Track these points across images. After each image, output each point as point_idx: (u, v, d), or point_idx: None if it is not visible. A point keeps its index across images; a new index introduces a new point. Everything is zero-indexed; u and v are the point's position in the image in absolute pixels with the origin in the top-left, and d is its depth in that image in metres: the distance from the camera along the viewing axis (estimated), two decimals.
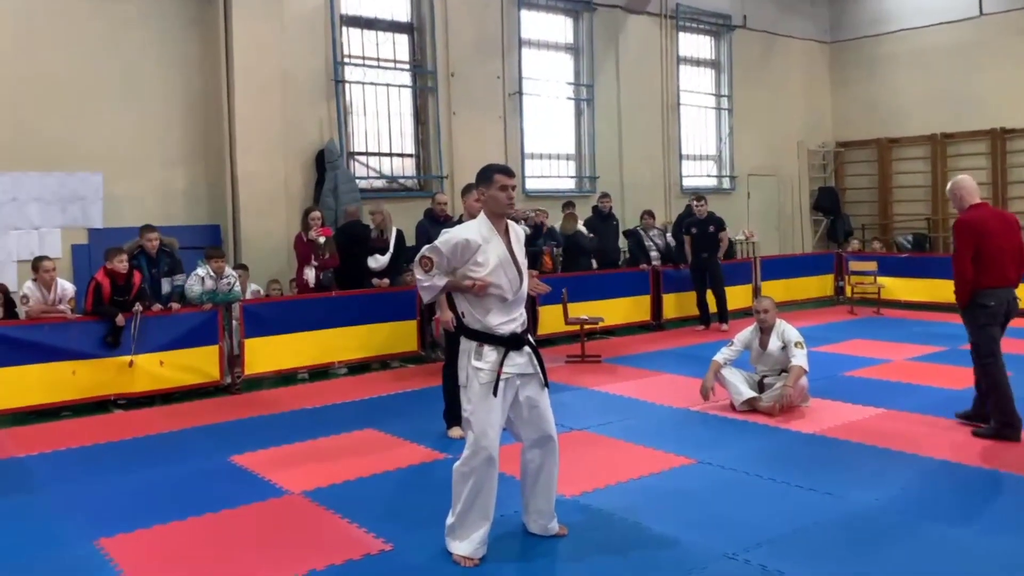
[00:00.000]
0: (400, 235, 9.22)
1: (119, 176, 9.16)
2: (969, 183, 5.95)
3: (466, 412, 3.91)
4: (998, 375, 5.62)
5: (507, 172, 4.00)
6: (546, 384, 4.01)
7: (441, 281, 3.92)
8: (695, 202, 11.07)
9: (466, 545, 3.89)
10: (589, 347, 9.33)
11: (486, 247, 3.90)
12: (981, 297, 5.65)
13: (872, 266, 12.55)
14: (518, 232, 4.12)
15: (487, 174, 4.00)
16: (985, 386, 5.72)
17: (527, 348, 3.96)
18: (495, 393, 3.82)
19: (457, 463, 3.93)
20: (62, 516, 4.76)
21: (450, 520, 3.96)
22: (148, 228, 8.07)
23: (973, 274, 5.63)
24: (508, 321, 3.90)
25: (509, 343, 3.89)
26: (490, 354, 3.86)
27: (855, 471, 5.08)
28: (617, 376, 8.17)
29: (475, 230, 3.95)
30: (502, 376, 3.84)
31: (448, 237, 3.93)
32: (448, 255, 3.89)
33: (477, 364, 3.86)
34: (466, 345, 3.94)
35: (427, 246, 3.99)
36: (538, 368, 3.98)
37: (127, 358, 7.50)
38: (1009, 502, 4.50)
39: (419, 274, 3.96)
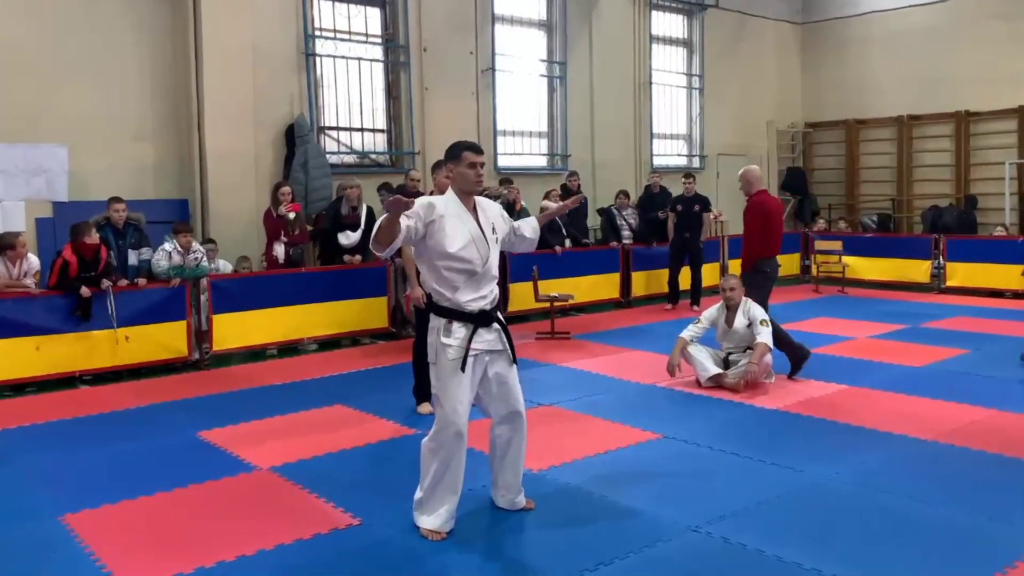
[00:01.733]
0: (370, 211, 9.17)
1: (85, 149, 8.99)
2: (757, 172, 7.44)
3: (435, 388, 3.92)
4: (775, 323, 6.79)
5: (476, 149, 3.98)
6: (514, 360, 4.04)
7: (401, 236, 3.69)
8: (684, 179, 11.09)
9: (434, 519, 3.93)
10: (559, 324, 9.39)
11: (454, 221, 3.88)
12: (762, 264, 7.09)
13: (837, 245, 12.74)
14: (488, 208, 4.10)
15: (456, 151, 3.97)
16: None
17: (496, 325, 3.98)
18: (463, 369, 3.84)
19: (425, 439, 3.96)
20: (27, 492, 4.73)
21: (418, 495, 4.00)
22: (115, 200, 7.95)
23: (759, 246, 7.06)
24: (477, 298, 3.91)
25: (478, 320, 3.90)
26: (459, 330, 3.87)
27: (816, 446, 5.19)
28: (586, 352, 8.24)
29: (441, 203, 3.93)
30: (470, 352, 3.86)
31: (419, 202, 3.89)
32: (419, 211, 3.79)
33: (445, 340, 3.87)
34: (435, 322, 3.93)
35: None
36: (507, 345, 4.00)
37: (109, 336, 7.48)
38: (966, 476, 4.63)
39: (382, 226, 3.69)
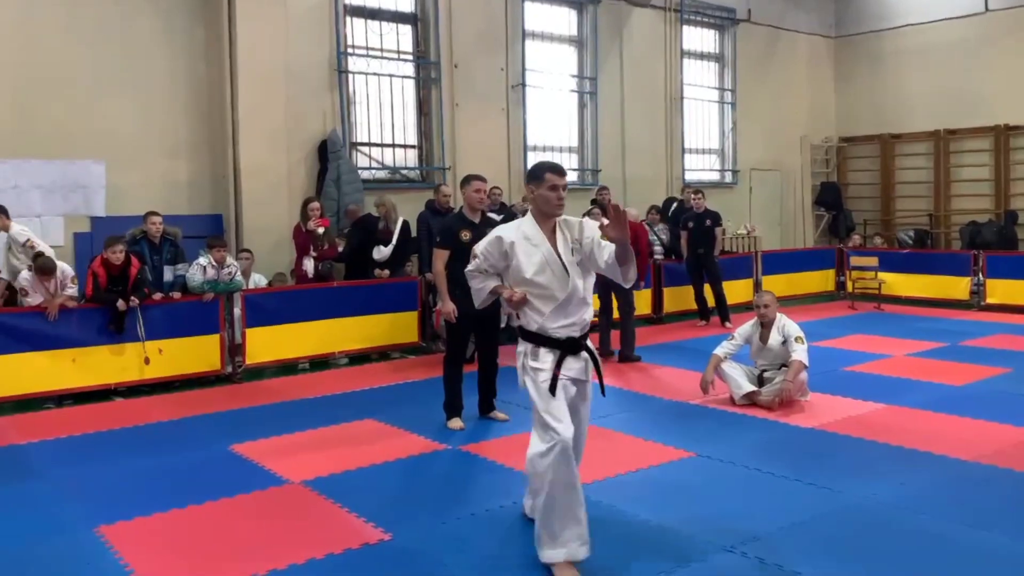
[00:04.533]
0: (406, 225, 9.21)
1: (122, 164, 9.16)
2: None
3: (538, 408, 3.66)
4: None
5: (558, 171, 3.81)
6: (603, 392, 3.93)
7: (491, 283, 3.92)
8: (692, 195, 11.02)
9: (557, 551, 3.62)
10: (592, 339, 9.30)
11: (527, 246, 3.76)
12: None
13: (873, 261, 12.54)
14: (573, 229, 3.83)
15: (538, 172, 3.81)
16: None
17: (584, 353, 3.82)
18: (553, 391, 3.67)
19: (530, 455, 3.65)
20: (63, 503, 4.77)
21: (537, 530, 3.69)
22: (152, 214, 8.05)
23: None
24: (566, 325, 3.75)
25: (565, 347, 3.76)
26: (546, 356, 3.73)
27: (853, 466, 5.08)
28: (617, 369, 8.17)
29: (513, 228, 3.85)
30: (559, 377, 3.70)
31: (497, 232, 3.87)
32: (485, 252, 3.84)
33: (534, 364, 3.73)
34: (522, 346, 3.82)
35: (488, 240, 3.91)
36: (590, 376, 3.85)
37: (139, 349, 7.55)
38: (1008, 498, 4.50)
39: (468, 276, 3.97)
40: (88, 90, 8.97)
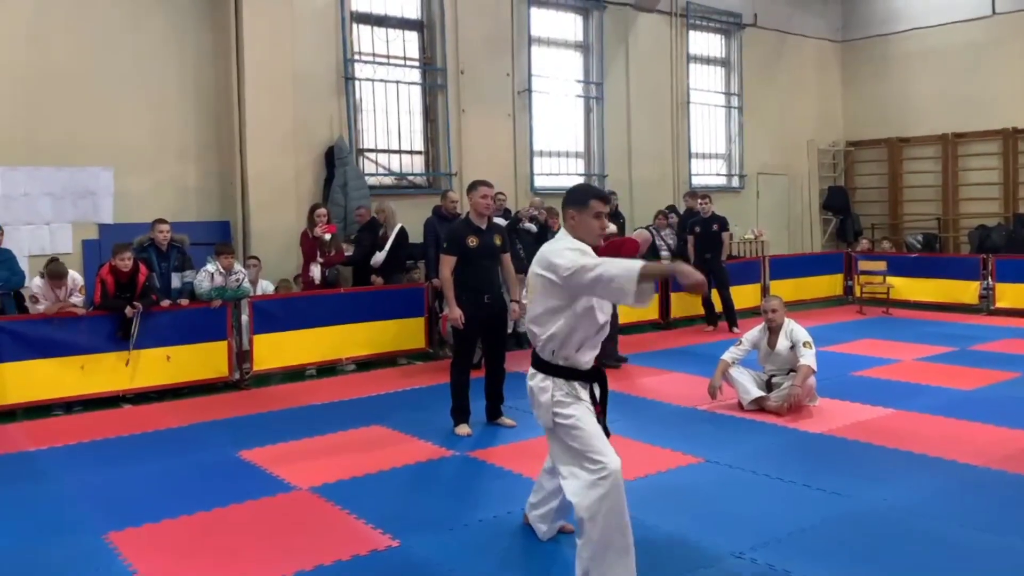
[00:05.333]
0: (402, 232, 9.21)
1: (130, 171, 9.20)
2: None
3: (580, 442, 3.44)
4: None
5: (604, 198, 3.62)
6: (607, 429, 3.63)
7: (636, 264, 3.26)
8: (699, 200, 11.00)
9: None
10: None
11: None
12: None
13: (882, 266, 12.50)
14: None
15: (583, 198, 3.58)
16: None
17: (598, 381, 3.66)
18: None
19: (578, 500, 3.41)
20: (71, 509, 4.79)
21: (585, 568, 3.42)
22: (160, 221, 8.08)
23: None
24: (594, 355, 3.63)
25: (590, 376, 3.60)
26: (582, 391, 3.55)
27: (863, 471, 5.06)
28: (625, 374, 8.15)
29: (573, 243, 3.52)
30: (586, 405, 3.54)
31: (565, 251, 3.44)
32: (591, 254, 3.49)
33: (575, 394, 3.53)
34: (546, 381, 3.55)
35: (573, 251, 3.44)
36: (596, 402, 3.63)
37: (145, 355, 7.58)
38: (1019, 503, 4.48)
39: (599, 270, 3.30)
40: (97, 97, 9.02)
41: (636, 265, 3.27)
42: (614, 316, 8.93)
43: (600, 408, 3.62)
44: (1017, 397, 6.81)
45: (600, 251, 3.58)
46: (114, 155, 9.11)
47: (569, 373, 3.55)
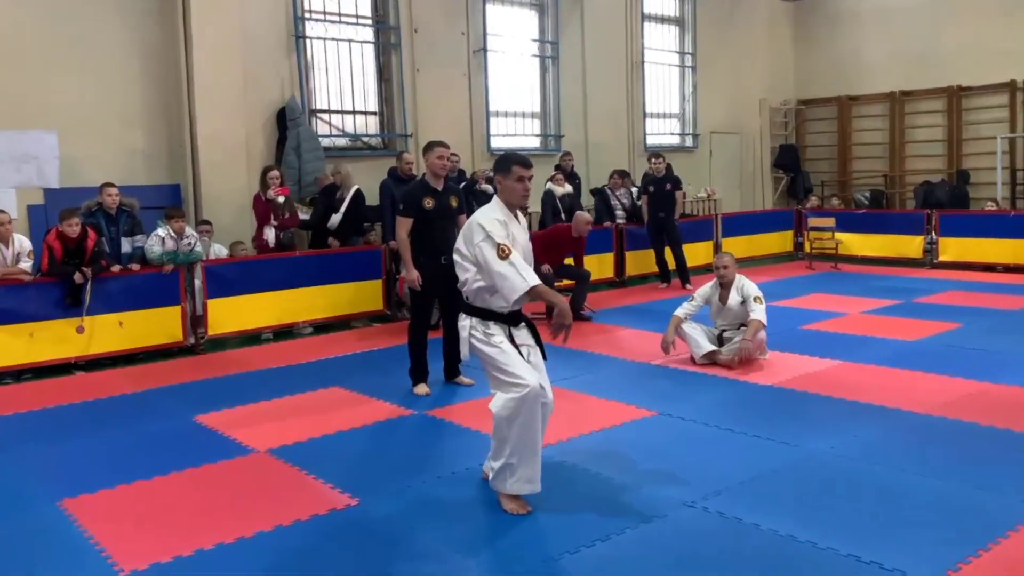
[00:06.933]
0: (358, 194, 9.14)
1: (75, 135, 8.94)
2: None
3: (499, 365, 3.86)
4: None
5: (525, 163, 4.02)
6: (543, 356, 4.13)
7: (532, 280, 3.78)
8: (652, 159, 11.10)
9: (522, 484, 3.90)
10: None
11: (511, 227, 3.96)
12: None
13: (830, 222, 12.75)
14: (522, 219, 4.21)
15: (505, 164, 4.02)
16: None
17: (523, 323, 4.09)
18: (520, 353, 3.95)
19: (498, 409, 3.86)
20: (24, 478, 4.74)
21: (498, 463, 3.92)
22: (108, 185, 7.90)
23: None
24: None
25: (509, 319, 4.00)
26: (496, 328, 3.96)
27: (811, 421, 5.23)
28: (580, 331, 8.22)
29: (501, 212, 3.98)
30: (519, 344, 3.98)
31: (491, 223, 3.88)
32: (506, 236, 3.89)
33: (488, 331, 3.94)
34: (466, 320, 3.99)
35: (493, 234, 3.84)
36: (536, 339, 4.11)
37: (78, 323, 7.41)
38: (959, 448, 4.67)
39: (501, 267, 3.78)
40: (38, 59, 8.72)
41: (532, 282, 3.78)
42: (587, 272, 9.07)
43: (536, 345, 4.07)
44: (958, 347, 7.05)
45: (537, 237, 3.87)
46: (57, 118, 8.84)
47: (485, 314, 3.96)
